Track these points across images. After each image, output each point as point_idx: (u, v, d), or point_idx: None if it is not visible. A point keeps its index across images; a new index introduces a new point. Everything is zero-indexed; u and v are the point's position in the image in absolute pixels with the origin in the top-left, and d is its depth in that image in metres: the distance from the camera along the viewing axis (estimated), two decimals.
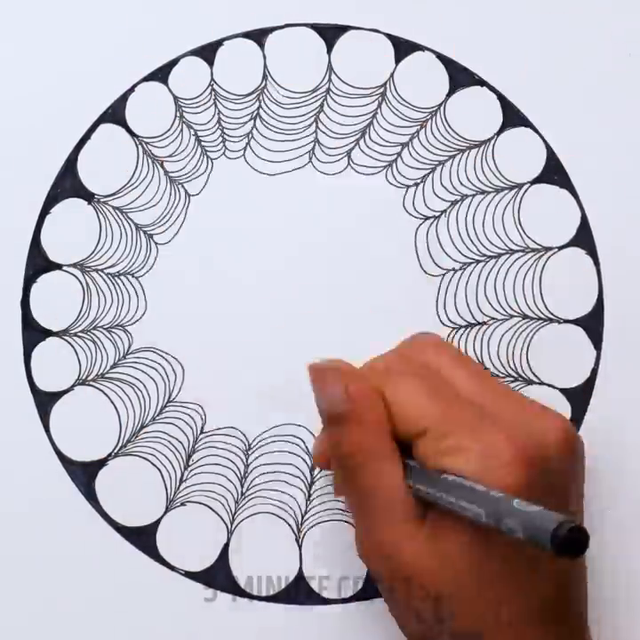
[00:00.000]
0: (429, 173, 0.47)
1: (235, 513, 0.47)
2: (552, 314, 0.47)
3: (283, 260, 0.47)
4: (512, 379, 0.47)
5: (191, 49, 0.47)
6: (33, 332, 0.47)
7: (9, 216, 0.47)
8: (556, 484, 0.39)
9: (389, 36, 0.47)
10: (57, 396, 0.47)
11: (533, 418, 0.40)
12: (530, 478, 0.37)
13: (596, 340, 0.47)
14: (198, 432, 0.47)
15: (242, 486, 0.47)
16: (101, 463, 0.47)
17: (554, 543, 0.33)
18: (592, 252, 0.47)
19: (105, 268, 0.47)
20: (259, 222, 0.47)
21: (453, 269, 0.47)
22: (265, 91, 0.47)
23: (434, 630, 0.39)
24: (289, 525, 0.47)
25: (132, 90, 0.47)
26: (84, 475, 0.47)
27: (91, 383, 0.47)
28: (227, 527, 0.47)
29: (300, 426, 0.47)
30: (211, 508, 0.47)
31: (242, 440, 0.47)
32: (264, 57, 0.47)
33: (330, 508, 0.47)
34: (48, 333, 0.47)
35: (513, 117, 0.47)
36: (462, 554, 0.38)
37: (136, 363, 0.47)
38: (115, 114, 0.47)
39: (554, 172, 0.47)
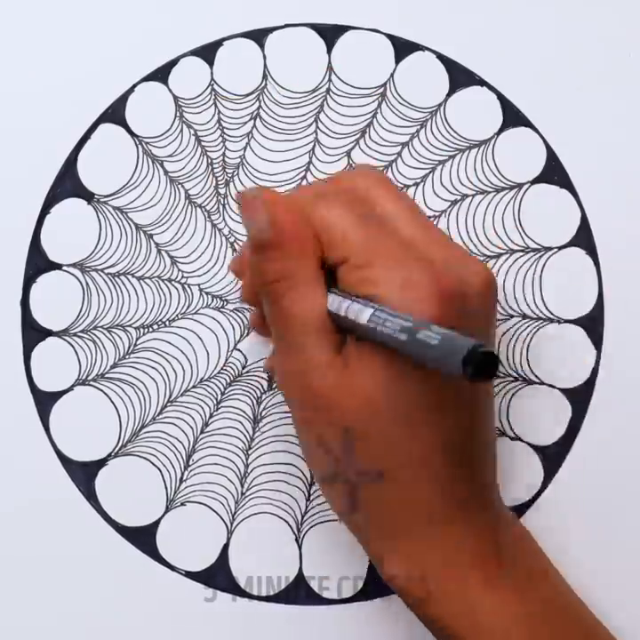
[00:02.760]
0: (429, 173, 0.47)
1: (235, 513, 0.47)
2: (552, 314, 0.47)
3: None
4: (512, 379, 0.47)
5: (191, 49, 0.47)
6: (33, 332, 0.47)
7: (9, 216, 0.47)
8: (473, 324, 0.38)
9: (389, 36, 0.47)
10: (57, 395, 0.47)
11: (458, 259, 0.39)
12: (447, 314, 0.37)
13: (596, 340, 0.47)
14: (198, 432, 0.47)
15: (242, 486, 0.47)
16: (101, 463, 0.47)
17: (466, 365, 0.32)
18: (592, 252, 0.47)
19: (105, 268, 0.47)
20: None
21: None
22: (265, 91, 0.47)
23: (340, 465, 0.39)
24: (289, 525, 0.47)
25: (131, 90, 0.47)
26: (83, 475, 0.47)
27: (91, 383, 0.47)
28: (227, 527, 0.47)
29: None
30: (211, 508, 0.47)
31: (242, 440, 0.47)
32: (264, 57, 0.47)
33: (330, 507, 0.47)
34: (48, 333, 0.47)
35: (513, 117, 0.47)
36: (375, 386, 0.38)
37: (136, 363, 0.47)
38: (115, 114, 0.47)
39: (554, 172, 0.47)
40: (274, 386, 0.47)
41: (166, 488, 0.47)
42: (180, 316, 0.47)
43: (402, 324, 0.35)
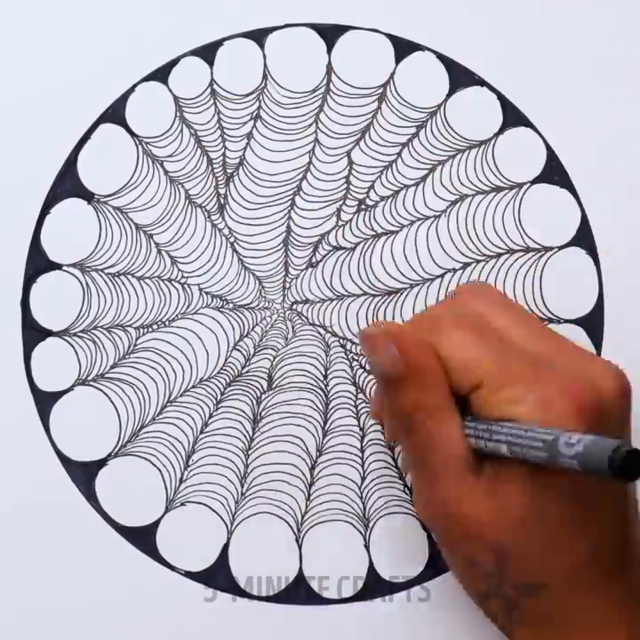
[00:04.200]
0: (429, 173, 0.47)
1: (235, 513, 0.47)
2: (552, 314, 0.47)
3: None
4: None
5: (191, 49, 0.47)
6: (33, 332, 0.47)
7: (9, 216, 0.47)
8: (610, 428, 0.39)
9: (389, 36, 0.47)
10: (57, 395, 0.47)
11: (587, 365, 0.40)
12: (586, 427, 0.37)
13: (596, 340, 0.47)
14: (198, 432, 0.47)
15: (242, 486, 0.47)
16: (101, 463, 0.47)
17: (612, 466, 0.33)
18: (592, 252, 0.47)
19: (105, 268, 0.47)
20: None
21: (453, 269, 0.47)
22: (265, 91, 0.47)
23: (497, 584, 0.40)
24: (289, 525, 0.47)
25: (132, 90, 0.47)
26: (84, 475, 0.47)
27: (91, 383, 0.47)
28: (227, 527, 0.47)
29: (299, 426, 0.47)
30: (211, 508, 0.47)
31: (242, 440, 0.47)
32: (264, 57, 0.47)
33: (330, 508, 0.47)
34: (48, 333, 0.47)
35: (513, 117, 0.47)
36: (521, 502, 0.38)
37: (136, 363, 0.47)
38: (115, 114, 0.47)
39: (554, 172, 0.47)
40: (273, 386, 0.47)
41: (166, 488, 0.47)
42: (179, 316, 0.47)
43: (543, 439, 0.36)
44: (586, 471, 0.34)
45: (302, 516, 0.47)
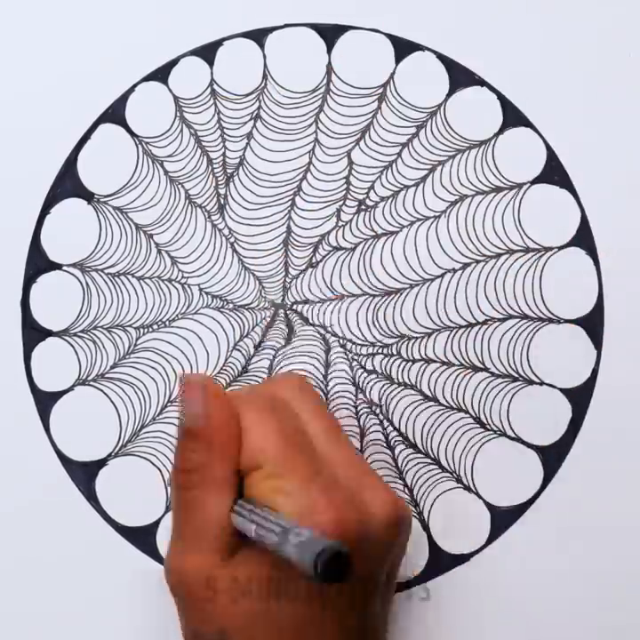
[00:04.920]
0: (429, 174, 0.47)
1: None
2: (552, 314, 0.47)
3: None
4: (512, 379, 0.47)
5: (191, 49, 0.47)
6: (33, 332, 0.47)
7: (9, 216, 0.47)
8: (374, 552, 0.40)
9: (389, 36, 0.47)
10: (57, 395, 0.47)
11: (366, 488, 0.40)
12: (344, 539, 0.37)
13: (596, 340, 0.47)
14: None
15: None
16: (101, 463, 0.47)
17: (315, 567, 0.33)
18: (592, 252, 0.47)
19: (105, 268, 0.47)
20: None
21: (453, 269, 0.47)
22: (265, 91, 0.47)
23: None
24: None
25: (132, 90, 0.47)
26: (84, 475, 0.47)
27: (91, 383, 0.47)
28: None
29: None
30: None
31: None
32: (264, 57, 0.47)
33: None
34: (48, 333, 0.47)
35: (513, 117, 0.47)
36: (257, 593, 0.39)
37: (136, 363, 0.47)
38: (115, 114, 0.47)
39: (554, 172, 0.47)
40: None
41: (166, 488, 0.47)
42: (179, 316, 0.47)
43: (280, 526, 0.36)
44: (300, 567, 0.34)
45: None
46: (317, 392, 0.46)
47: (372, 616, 0.41)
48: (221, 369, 0.47)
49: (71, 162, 0.47)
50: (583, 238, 0.47)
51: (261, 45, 0.47)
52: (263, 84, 0.47)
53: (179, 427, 0.41)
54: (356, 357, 0.47)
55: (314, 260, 0.48)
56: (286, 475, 0.39)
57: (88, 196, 0.47)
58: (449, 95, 0.47)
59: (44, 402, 0.47)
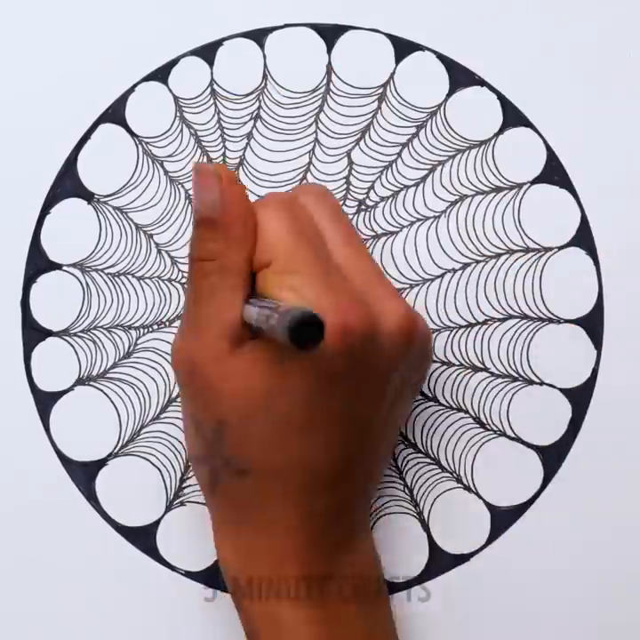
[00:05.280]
0: (429, 174, 0.47)
1: None
2: (552, 314, 0.47)
3: None
4: (512, 379, 0.47)
5: (191, 49, 0.47)
6: (33, 332, 0.47)
7: (9, 216, 0.47)
8: (382, 361, 0.39)
9: (389, 36, 0.47)
10: (57, 395, 0.47)
11: (378, 296, 0.40)
12: (349, 345, 0.38)
13: (596, 340, 0.47)
14: None
15: None
16: (101, 463, 0.47)
17: (290, 328, 0.33)
18: (592, 252, 0.47)
19: (105, 268, 0.47)
20: None
21: (453, 269, 0.47)
22: (265, 91, 0.47)
23: (211, 449, 0.40)
24: None
25: (132, 90, 0.47)
26: (84, 475, 0.47)
27: (91, 383, 0.47)
28: None
29: None
30: None
31: None
32: (264, 57, 0.47)
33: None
34: (48, 333, 0.47)
35: (513, 117, 0.47)
36: (258, 380, 0.38)
37: (136, 363, 0.47)
38: (115, 114, 0.47)
39: (554, 172, 0.47)
40: None
41: (166, 488, 0.47)
42: (179, 316, 0.47)
43: (274, 306, 0.36)
44: (281, 338, 0.34)
45: None
46: (338, 202, 0.45)
47: (378, 422, 0.41)
48: None
49: (71, 162, 0.47)
50: (583, 238, 0.47)
51: (261, 45, 0.47)
52: (263, 84, 0.47)
53: (195, 214, 0.40)
54: None
55: None
56: (295, 271, 0.39)
57: (88, 196, 0.47)
58: (449, 95, 0.47)
59: (44, 402, 0.47)
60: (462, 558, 0.47)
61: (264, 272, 0.40)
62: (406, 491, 0.47)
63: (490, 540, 0.47)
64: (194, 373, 0.40)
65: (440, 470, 0.47)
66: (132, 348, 0.47)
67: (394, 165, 0.47)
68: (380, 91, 0.47)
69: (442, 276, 0.47)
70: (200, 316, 0.40)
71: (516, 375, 0.47)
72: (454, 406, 0.47)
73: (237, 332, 0.39)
